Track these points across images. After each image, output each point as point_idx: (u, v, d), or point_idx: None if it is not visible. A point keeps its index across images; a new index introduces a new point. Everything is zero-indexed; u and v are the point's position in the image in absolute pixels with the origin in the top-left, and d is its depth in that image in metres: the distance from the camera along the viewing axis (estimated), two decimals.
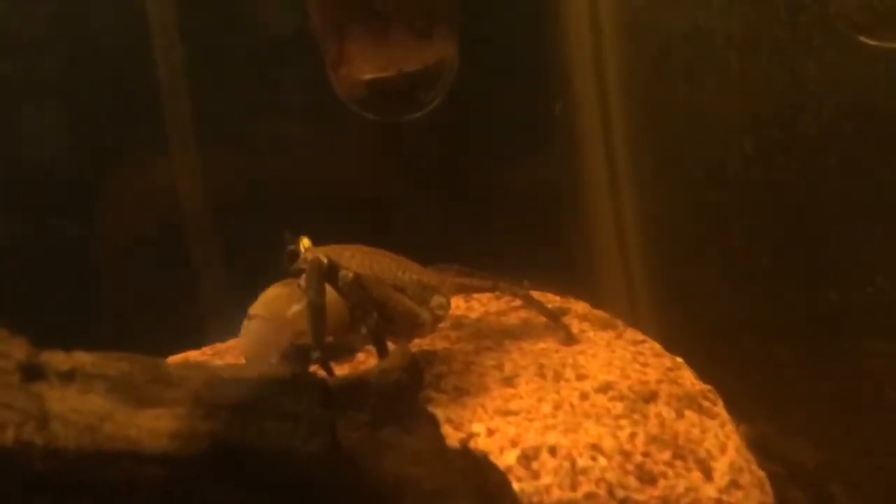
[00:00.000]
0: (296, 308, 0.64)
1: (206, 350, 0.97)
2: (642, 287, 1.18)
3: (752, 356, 0.96)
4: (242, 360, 0.93)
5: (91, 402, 0.52)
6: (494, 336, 0.82)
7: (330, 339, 0.65)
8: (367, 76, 1.02)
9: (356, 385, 0.58)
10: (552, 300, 0.89)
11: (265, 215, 1.12)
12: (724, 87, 1.04)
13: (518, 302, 0.91)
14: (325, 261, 0.65)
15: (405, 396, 0.59)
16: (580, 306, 0.90)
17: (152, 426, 0.51)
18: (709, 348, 0.91)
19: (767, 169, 1.04)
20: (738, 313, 1.05)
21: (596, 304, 1.03)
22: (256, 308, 0.67)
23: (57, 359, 0.53)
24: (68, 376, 0.53)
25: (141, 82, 1.09)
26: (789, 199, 1.03)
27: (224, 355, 0.94)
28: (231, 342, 1.00)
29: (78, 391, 0.52)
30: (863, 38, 1.04)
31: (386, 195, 1.14)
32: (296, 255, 0.72)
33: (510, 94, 1.11)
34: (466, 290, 0.82)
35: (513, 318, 0.86)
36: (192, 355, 0.97)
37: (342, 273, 0.66)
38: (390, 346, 0.65)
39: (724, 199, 1.07)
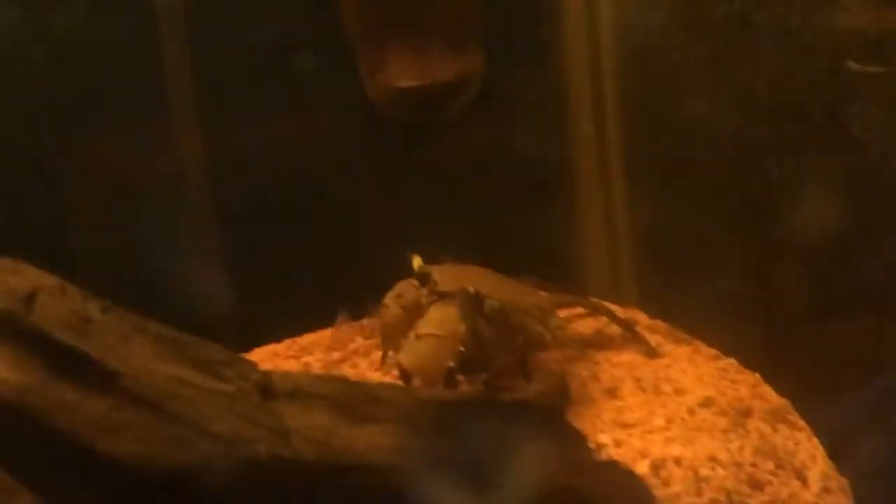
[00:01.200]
0: (463, 328, 0.71)
1: (290, 344, 1.04)
2: (632, 270, 1.26)
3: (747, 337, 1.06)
4: (333, 357, 1.00)
5: (317, 418, 0.59)
6: (576, 346, 0.90)
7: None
8: (404, 84, 1.10)
9: (521, 405, 0.66)
10: (617, 310, 0.98)
11: None
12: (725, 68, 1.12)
13: (580, 309, 0.99)
14: (472, 290, 0.72)
15: (558, 413, 0.67)
16: (640, 316, 0.99)
17: (373, 441, 0.58)
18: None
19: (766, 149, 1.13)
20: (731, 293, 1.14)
21: (582, 286, 1.10)
22: (427, 328, 0.72)
23: (280, 379, 0.60)
24: (293, 395, 0.60)
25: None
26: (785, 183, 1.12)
27: (312, 350, 1.01)
28: (309, 337, 1.06)
29: (302, 408, 0.59)
30: (850, 63, 1.15)
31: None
32: (427, 277, 0.79)
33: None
34: (558, 306, 0.90)
35: (585, 328, 0.95)
36: (279, 349, 1.03)
37: (488, 301, 0.74)
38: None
39: (720, 178, 1.16)
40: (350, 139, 1.19)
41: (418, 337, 0.71)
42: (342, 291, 1.15)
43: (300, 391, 0.60)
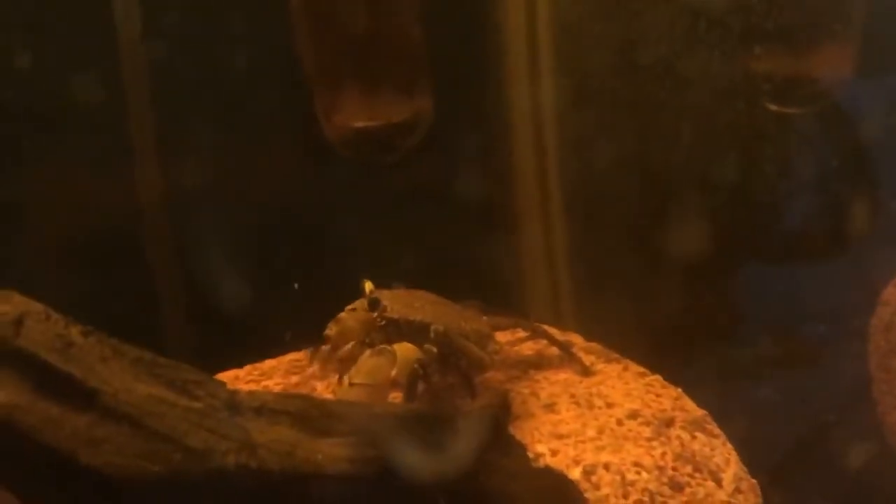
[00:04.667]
0: (394, 373, 0.76)
1: (251, 370, 1.06)
2: (569, 301, 1.31)
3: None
4: (292, 381, 1.03)
5: (281, 432, 0.62)
6: (518, 366, 0.94)
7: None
8: (359, 124, 1.14)
9: (467, 418, 0.70)
10: (553, 332, 1.02)
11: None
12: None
13: (521, 333, 1.04)
14: (415, 319, 0.78)
15: (501, 427, 0.71)
16: (576, 338, 1.04)
17: (332, 452, 0.62)
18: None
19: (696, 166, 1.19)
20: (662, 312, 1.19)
21: (526, 311, 1.15)
22: (359, 376, 0.76)
23: (247, 397, 0.64)
24: (258, 411, 0.63)
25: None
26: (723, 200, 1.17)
27: (272, 375, 1.04)
28: (270, 362, 1.09)
29: (268, 423, 0.63)
30: (769, 105, 1.22)
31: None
32: (377, 303, 0.83)
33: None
34: (495, 328, 0.94)
35: (527, 350, 0.99)
36: (240, 374, 1.05)
37: (434, 327, 0.78)
38: None
39: (653, 196, 1.21)
40: (310, 173, 1.23)
41: (352, 385, 0.74)
42: (302, 318, 1.18)
43: (265, 408, 0.63)
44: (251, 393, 0.64)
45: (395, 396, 0.79)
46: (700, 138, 1.22)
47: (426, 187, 1.21)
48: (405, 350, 0.78)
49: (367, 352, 0.78)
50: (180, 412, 0.59)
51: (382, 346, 0.78)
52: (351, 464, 0.61)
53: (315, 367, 0.98)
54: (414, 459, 0.62)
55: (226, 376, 1.03)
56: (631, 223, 1.23)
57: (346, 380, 0.77)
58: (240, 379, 1.02)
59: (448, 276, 1.14)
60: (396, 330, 0.81)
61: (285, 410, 0.63)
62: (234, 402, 0.62)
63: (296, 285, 1.14)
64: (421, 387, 0.74)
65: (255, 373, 1.04)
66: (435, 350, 0.78)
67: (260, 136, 1.20)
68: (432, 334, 0.77)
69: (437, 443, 0.64)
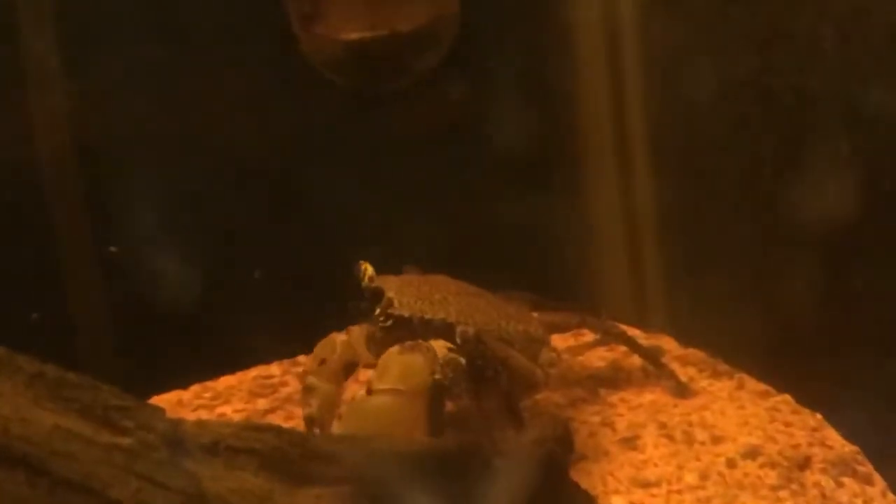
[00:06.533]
0: (438, 376, 0.75)
1: (199, 390, 1.07)
2: (655, 288, 1.31)
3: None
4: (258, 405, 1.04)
5: (244, 479, 0.62)
6: (584, 384, 0.96)
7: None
8: (351, 36, 1.13)
9: (510, 458, 0.70)
10: (635, 335, 1.02)
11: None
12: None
13: (589, 336, 1.04)
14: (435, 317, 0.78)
15: (558, 468, 0.72)
16: (668, 343, 1.04)
17: None
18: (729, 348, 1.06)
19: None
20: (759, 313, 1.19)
21: (592, 304, 1.15)
22: (388, 380, 0.75)
23: (194, 429, 0.64)
24: (211, 450, 0.63)
25: None
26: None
27: (230, 397, 1.05)
28: (227, 380, 1.10)
29: (225, 467, 0.63)
30: None
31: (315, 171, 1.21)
32: (379, 294, 0.83)
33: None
34: (551, 330, 0.94)
35: (596, 360, 1.00)
36: (185, 397, 1.07)
37: (461, 329, 0.78)
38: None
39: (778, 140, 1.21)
40: (283, 110, 1.22)
41: (376, 392, 0.74)
42: (273, 316, 1.18)
43: (221, 445, 0.63)
44: (201, 424, 0.64)
45: None
46: (848, 51, 1.20)
47: (448, 128, 1.21)
48: (437, 349, 0.78)
49: (396, 347, 0.78)
50: (100, 452, 0.59)
51: (417, 341, 0.78)
52: None
53: (293, 387, 0.99)
54: None
55: (164, 401, 1.05)
56: (746, 178, 1.22)
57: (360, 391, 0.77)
58: (184, 404, 1.04)
59: (482, 255, 1.14)
60: (408, 332, 0.81)
61: (250, 449, 0.63)
62: (176, 438, 0.62)
63: (256, 273, 1.14)
64: (449, 405, 0.74)
65: (207, 395, 1.06)
66: (463, 361, 0.77)
67: (210, 57, 1.19)
68: (459, 338, 0.77)
69: (467, 493, 0.65)
